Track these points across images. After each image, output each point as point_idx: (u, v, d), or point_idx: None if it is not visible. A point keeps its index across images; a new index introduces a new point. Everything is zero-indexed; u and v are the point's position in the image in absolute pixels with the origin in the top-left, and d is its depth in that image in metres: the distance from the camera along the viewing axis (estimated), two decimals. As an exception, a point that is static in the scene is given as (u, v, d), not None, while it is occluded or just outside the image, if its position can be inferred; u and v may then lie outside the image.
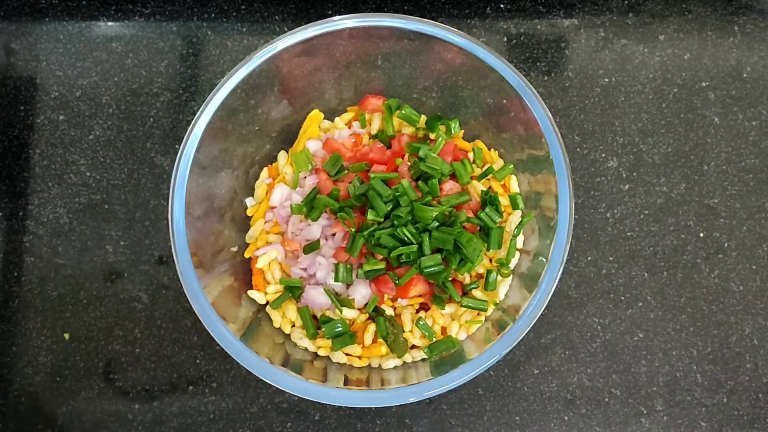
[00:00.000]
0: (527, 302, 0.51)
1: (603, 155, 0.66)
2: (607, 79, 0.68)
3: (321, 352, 0.56)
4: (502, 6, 0.70)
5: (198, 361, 0.61)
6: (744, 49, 0.69)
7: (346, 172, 0.59)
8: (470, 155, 0.60)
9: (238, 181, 0.60)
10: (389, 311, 0.56)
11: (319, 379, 0.52)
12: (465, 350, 0.55)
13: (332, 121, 0.62)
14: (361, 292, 0.56)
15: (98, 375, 0.61)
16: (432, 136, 0.60)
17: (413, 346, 0.56)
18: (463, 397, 0.60)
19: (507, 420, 0.60)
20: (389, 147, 0.60)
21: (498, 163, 0.60)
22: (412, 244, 0.54)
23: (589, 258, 0.63)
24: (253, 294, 0.57)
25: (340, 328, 0.55)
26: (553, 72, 0.68)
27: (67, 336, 0.61)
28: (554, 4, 0.70)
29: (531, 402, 0.60)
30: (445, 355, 0.55)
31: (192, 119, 0.52)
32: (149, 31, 0.69)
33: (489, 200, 0.57)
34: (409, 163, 0.57)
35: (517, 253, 0.58)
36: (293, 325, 0.57)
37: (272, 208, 0.59)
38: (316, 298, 0.56)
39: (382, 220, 0.55)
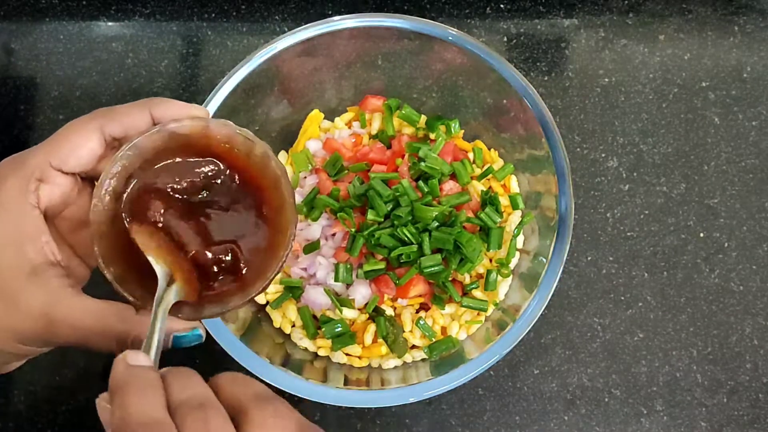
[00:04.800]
0: (527, 302, 0.51)
1: (603, 155, 0.66)
2: (607, 79, 0.68)
3: (321, 352, 0.56)
4: (502, 6, 0.70)
5: (198, 361, 0.61)
6: (744, 49, 0.69)
7: (346, 172, 0.59)
8: (470, 155, 0.60)
9: (238, 181, 0.60)
10: (389, 311, 0.56)
11: (319, 379, 0.52)
12: (465, 350, 0.55)
13: (332, 121, 0.62)
14: (361, 292, 0.56)
15: (98, 375, 0.61)
16: (432, 136, 0.60)
17: (413, 346, 0.56)
18: (463, 397, 0.60)
19: (507, 420, 0.60)
20: (389, 147, 0.60)
21: (498, 163, 0.60)
22: (412, 244, 0.54)
23: (589, 258, 0.63)
24: (253, 294, 0.57)
25: (340, 328, 0.55)
26: (553, 72, 0.68)
27: (67, 336, 0.61)
28: (554, 4, 0.70)
29: (531, 402, 0.60)
30: (445, 355, 0.55)
31: (192, 119, 0.52)
32: (149, 31, 0.69)
33: (489, 200, 0.57)
34: (409, 163, 0.57)
35: (517, 253, 0.58)
36: (293, 325, 0.58)
37: (272, 208, 0.59)
38: (316, 298, 0.56)
39: (382, 220, 0.55)
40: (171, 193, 0.39)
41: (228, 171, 0.40)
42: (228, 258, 0.39)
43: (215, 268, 0.39)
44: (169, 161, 0.39)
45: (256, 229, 0.40)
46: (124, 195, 0.38)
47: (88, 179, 0.40)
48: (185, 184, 0.39)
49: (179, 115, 0.39)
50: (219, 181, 0.40)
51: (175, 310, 0.37)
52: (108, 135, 0.38)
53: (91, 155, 0.38)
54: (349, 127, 0.62)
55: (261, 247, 0.39)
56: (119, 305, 0.37)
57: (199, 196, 0.39)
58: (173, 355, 0.61)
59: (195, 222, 0.39)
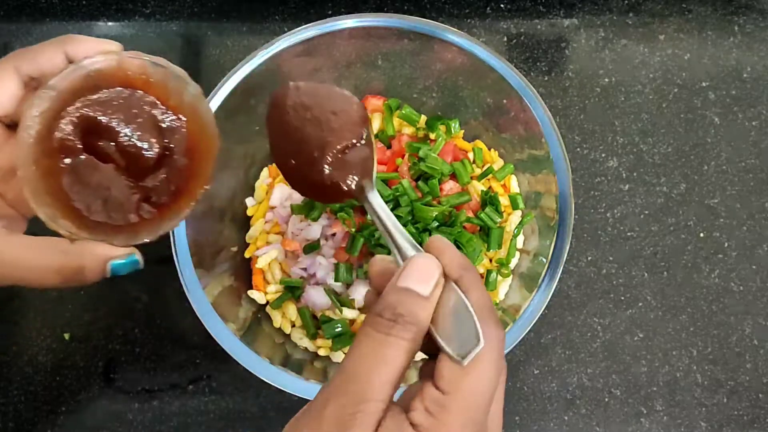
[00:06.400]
0: (527, 302, 0.51)
1: (603, 155, 0.66)
2: (607, 79, 0.68)
3: (321, 352, 0.56)
4: (502, 6, 0.70)
5: (198, 361, 0.61)
6: (744, 49, 0.69)
7: (346, 172, 0.58)
8: (470, 155, 0.60)
9: (238, 181, 0.60)
10: (389, 311, 0.56)
11: (319, 379, 0.52)
12: (465, 350, 0.54)
13: (332, 121, 0.62)
14: (361, 292, 0.56)
15: (98, 375, 0.61)
16: (432, 136, 0.60)
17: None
18: (463, 397, 0.60)
19: (507, 420, 0.60)
20: (389, 147, 0.60)
21: (498, 163, 0.60)
22: (412, 244, 0.54)
23: (589, 258, 0.63)
24: (253, 294, 0.57)
25: (340, 328, 0.55)
26: (553, 72, 0.68)
27: (67, 336, 0.61)
28: (554, 4, 0.70)
29: (531, 402, 0.60)
30: (445, 355, 0.55)
31: (192, 119, 0.52)
32: (149, 31, 0.69)
33: (489, 200, 0.57)
34: (409, 163, 0.57)
35: (517, 253, 0.58)
36: (293, 325, 0.58)
37: (272, 208, 0.59)
38: (316, 298, 0.56)
39: (382, 220, 0.55)
40: (94, 127, 0.40)
41: (148, 99, 0.41)
42: (155, 184, 0.40)
43: (143, 195, 0.40)
44: (88, 97, 0.40)
45: (180, 155, 0.41)
46: (51, 134, 0.39)
47: (14, 126, 0.40)
48: (107, 118, 0.40)
49: (92, 51, 0.39)
50: (140, 109, 0.41)
51: (109, 237, 0.39)
52: (25, 75, 0.39)
53: (10, 97, 0.38)
54: (349, 127, 0.62)
55: (186, 171, 0.41)
56: (55, 239, 0.38)
57: (122, 125, 0.40)
58: (175, 354, 0.61)
59: (120, 151, 0.40)
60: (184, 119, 0.41)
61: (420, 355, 0.35)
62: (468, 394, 0.30)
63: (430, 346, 0.33)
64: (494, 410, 0.33)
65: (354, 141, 0.40)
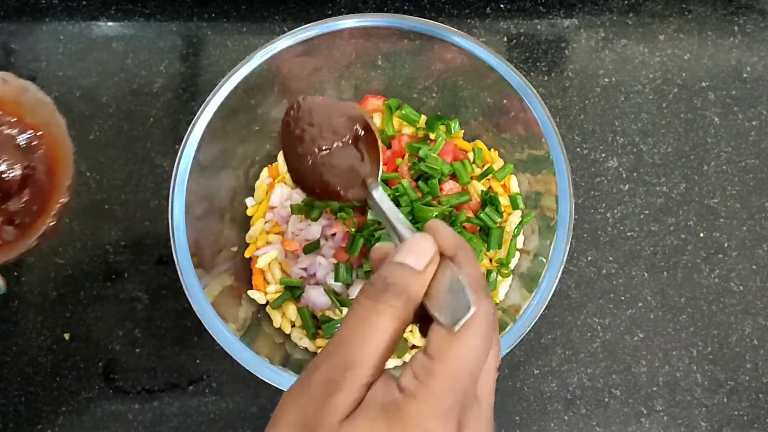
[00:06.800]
0: (527, 302, 0.51)
1: (603, 155, 0.66)
2: (607, 79, 0.68)
3: (321, 352, 0.56)
4: (502, 6, 0.70)
5: (198, 361, 0.61)
6: (744, 49, 0.69)
7: (346, 172, 0.58)
8: (470, 155, 0.60)
9: (238, 181, 0.60)
10: (389, 311, 0.56)
11: (319, 379, 0.52)
12: (465, 350, 0.54)
13: (332, 121, 0.62)
14: (361, 292, 0.56)
15: (98, 375, 0.61)
16: (432, 136, 0.60)
17: (413, 346, 0.56)
18: (463, 397, 0.60)
19: (507, 420, 0.60)
20: (389, 147, 0.60)
21: (498, 163, 0.60)
22: (412, 244, 0.54)
23: (589, 258, 0.63)
24: (253, 294, 0.57)
25: (340, 328, 0.55)
26: (553, 72, 0.68)
27: (67, 336, 0.61)
28: (554, 4, 0.70)
29: (531, 402, 0.60)
30: (445, 355, 0.55)
31: (192, 119, 0.52)
32: (149, 31, 0.69)
33: (489, 200, 0.57)
34: (409, 163, 0.57)
35: (517, 253, 0.58)
36: (293, 325, 0.57)
37: (272, 208, 0.60)
38: (316, 298, 0.56)
39: (382, 220, 0.55)
40: None
41: (5, 120, 0.41)
42: (19, 207, 0.41)
43: (6, 218, 0.40)
44: None
45: (41, 173, 0.41)
46: None
47: None
48: None
49: None
50: None
51: None
52: None
53: None
54: (349, 127, 0.62)
55: (47, 187, 0.41)
56: None
57: None
58: (175, 354, 0.61)
59: None
60: (41, 134, 0.40)
61: None
62: (455, 361, 0.30)
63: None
64: (486, 384, 0.33)
65: (326, 147, 0.42)
